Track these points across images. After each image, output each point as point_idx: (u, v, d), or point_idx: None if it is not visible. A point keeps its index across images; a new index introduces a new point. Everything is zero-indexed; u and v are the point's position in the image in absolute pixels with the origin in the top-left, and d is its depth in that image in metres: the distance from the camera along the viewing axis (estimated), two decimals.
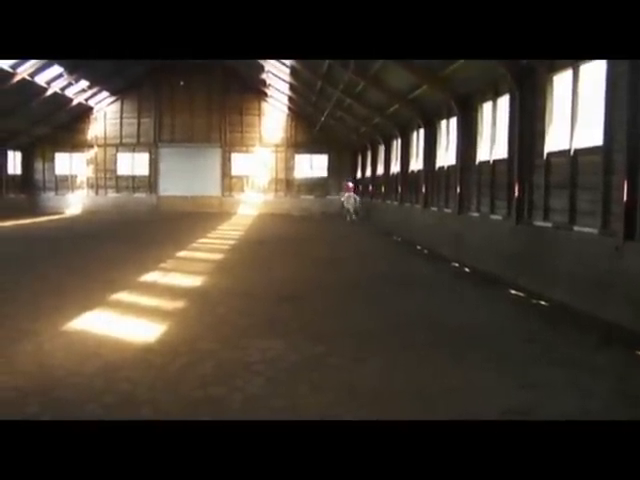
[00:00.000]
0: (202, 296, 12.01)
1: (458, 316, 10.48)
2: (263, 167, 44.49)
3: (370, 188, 36.67)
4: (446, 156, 21.68)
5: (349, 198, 36.33)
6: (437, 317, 10.35)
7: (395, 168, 30.30)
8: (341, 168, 43.99)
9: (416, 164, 26.19)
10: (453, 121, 20.49)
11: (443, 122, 22.03)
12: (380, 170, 34.09)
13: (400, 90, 23.14)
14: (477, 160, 18.25)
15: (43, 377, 6.86)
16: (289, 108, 43.54)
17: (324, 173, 44.61)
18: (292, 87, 37.14)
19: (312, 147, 43.73)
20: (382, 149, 32.95)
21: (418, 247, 21.85)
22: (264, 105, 44.20)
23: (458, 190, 19.36)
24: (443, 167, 21.88)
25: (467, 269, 16.29)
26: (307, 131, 43.28)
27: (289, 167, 44.57)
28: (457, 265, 17.05)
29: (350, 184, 38.14)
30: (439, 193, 22.34)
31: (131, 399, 6.19)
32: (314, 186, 44.37)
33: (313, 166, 44.76)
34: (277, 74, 35.36)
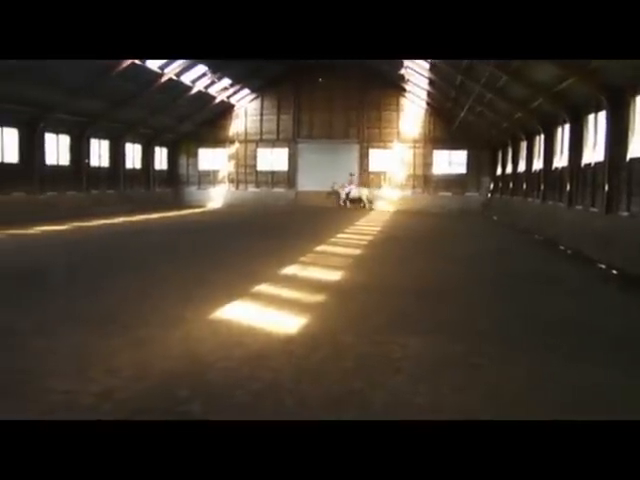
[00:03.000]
0: (341, 290, 12.09)
1: (603, 322, 9.99)
2: (401, 163, 44.30)
3: (510, 185, 35.78)
4: (593, 152, 20.79)
5: (361, 190, 43.24)
6: (581, 322, 9.91)
7: (537, 165, 29.38)
8: (480, 165, 43.09)
9: (560, 161, 25.29)
10: (602, 115, 19.61)
11: (590, 117, 21.14)
12: (521, 167, 33.18)
13: (544, 83, 22.36)
14: (628, 157, 17.37)
15: (193, 362, 7.13)
16: (427, 103, 43.09)
17: (462, 170, 43.79)
18: (431, 82, 36.75)
19: (450, 143, 43.03)
20: (524, 145, 32.03)
21: (561, 247, 21.04)
22: (402, 101, 43.97)
23: (606, 188, 18.52)
24: (590, 164, 21.00)
25: (615, 271, 15.51)
26: (445, 127, 42.63)
27: (427, 163, 44.09)
28: (604, 267, 16.27)
29: (354, 178, 43.79)
30: (585, 191, 21.46)
31: (276, 388, 6.32)
32: (452, 183, 43.65)
33: (451, 162, 44.07)
34: (416, 69, 35.12)
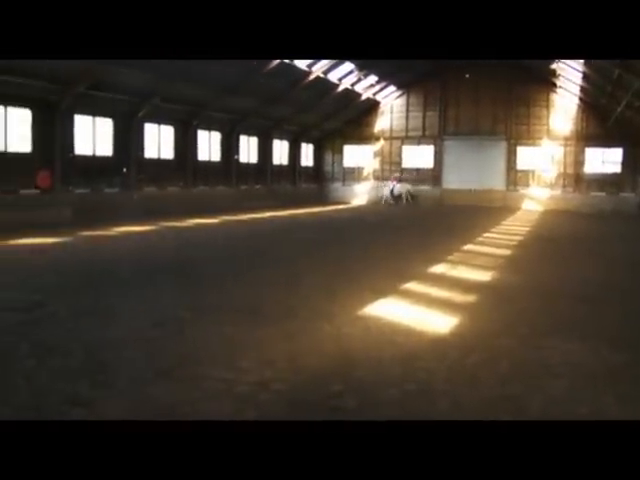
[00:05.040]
0: (492, 291, 11.76)
1: None
2: (550, 161, 42.68)
3: None
4: None
5: (403, 186, 43.85)
6: None
7: None
8: (637, 163, 40.67)
9: None
10: None
11: None
12: None
13: None
14: None
15: (343, 358, 7.15)
16: (580, 99, 41.29)
17: (617, 169, 41.52)
18: (585, 76, 35.16)
19: (604, 140, 40.89)
20: None
21: None
22: (552, 96, 42.35)
23: None
24: None
25: None
26: (599, 123, 40.65)
27: (578, 161, 42.20)
28: None
29: (397, 175, 44.69)
30: None
31: (429, 389, 6.21)
32: (605, 182, 41.48)
33: (605, 161, 41.95)
34: (569, 63, 33.72)
